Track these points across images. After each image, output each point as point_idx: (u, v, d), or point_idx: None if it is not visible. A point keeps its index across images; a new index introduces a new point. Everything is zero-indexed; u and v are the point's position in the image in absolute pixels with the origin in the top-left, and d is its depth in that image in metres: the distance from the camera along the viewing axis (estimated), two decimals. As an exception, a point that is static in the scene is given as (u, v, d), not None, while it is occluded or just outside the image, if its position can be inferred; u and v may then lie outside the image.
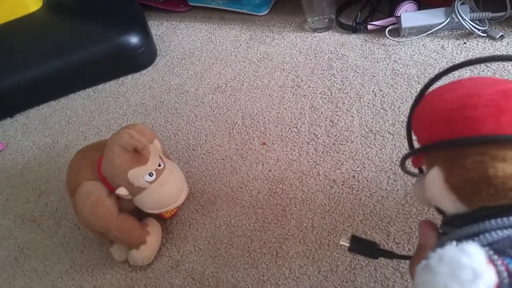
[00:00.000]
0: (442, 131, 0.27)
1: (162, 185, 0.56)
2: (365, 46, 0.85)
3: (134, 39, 0.99)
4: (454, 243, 0.22)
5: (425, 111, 0.30)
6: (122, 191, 0.54)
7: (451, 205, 0.26)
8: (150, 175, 0.55)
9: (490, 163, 0.23)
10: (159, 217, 0.64)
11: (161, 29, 1.16)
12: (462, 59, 0.74)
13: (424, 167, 0.31)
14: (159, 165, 0.56)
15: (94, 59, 0.98)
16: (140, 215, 0.61)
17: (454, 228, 0.26)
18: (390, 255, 0.40)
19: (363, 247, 0.41)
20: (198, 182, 0.70)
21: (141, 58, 1.02)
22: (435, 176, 0.27)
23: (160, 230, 0.63)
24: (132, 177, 0.53)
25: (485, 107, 0.25)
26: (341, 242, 0.41)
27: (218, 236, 0.62)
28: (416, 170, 0.35)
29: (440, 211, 0.29)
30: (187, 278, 0.59)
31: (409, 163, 0.33)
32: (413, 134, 0.33)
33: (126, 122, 0.89)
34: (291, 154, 0.69)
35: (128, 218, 0.57)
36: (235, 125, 0.78)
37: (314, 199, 0.62)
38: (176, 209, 0.65)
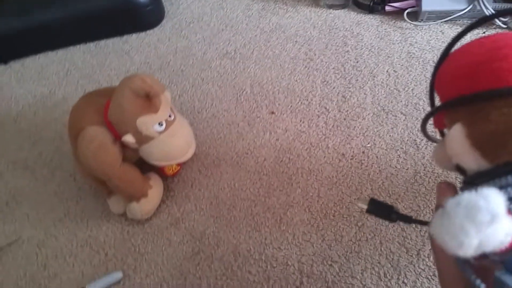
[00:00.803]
0: (466, 86, 0.25)
1: (171, 137, 0.54)
2: (381, 27, 0.84)
3: (141, -4, 0.95)
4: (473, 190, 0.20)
5: (449, 67, 0.28)
6: (129, 138, 0.52)
7: (474, 162, 0.25)
8: (160, 125, 0.53)
9: None
10: (161, 174, 0.62)
11: (171, -9, 1.12)
12: (478, 49, 0.73)
13: (446, 130, 0.30)
14: (170, 116, 0.54)
15: (98, 12, 0.94)
16: (143, 168, 0.60)
17: (475, 186, 0.24)
18: (408, 219, 0.39)
19: (381, 209, 0.40)
20: (202, 145, 0.69)
21: (148, 17, 0.99)
22: (457, 133, 0.26)
23: (162, 186, 0.61)
24: (141, 124, 0.51)
25: None
26: (359, 204, 0.41)
27: (221, 197, 0.61)
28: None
29: (461, 171, 0.28)
30: (186, 235, 0.57)
31: (430, 128, 0.32)
32: (437, 95, 0.31)
33: None
34: (300, 125, 0.68)
35: (131, 168, 0.55)
36: (243, 92, 0.76)
37: (321, 171, 0.61)
38: (179, 167, 0.63)
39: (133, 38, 0.98)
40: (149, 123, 0.52)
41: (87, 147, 0.52)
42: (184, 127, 0.56)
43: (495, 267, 0.23)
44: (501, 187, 0.23)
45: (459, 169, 0.28)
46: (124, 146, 0.55)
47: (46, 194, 0.66)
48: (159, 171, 0.61)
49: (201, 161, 0.66)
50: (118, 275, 0.54)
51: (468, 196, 0.20)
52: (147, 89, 0.51)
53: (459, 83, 0.26)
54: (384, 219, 0.39)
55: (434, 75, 0.31)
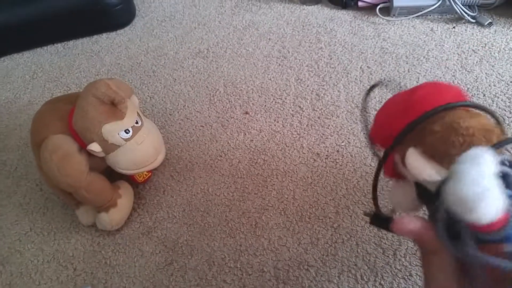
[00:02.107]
0: (402, 122, 0.30)
1: (138, 144, 0.52)
2: (355, 22, 0.83)
3: (110, -5, 0.92)
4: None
5: (382, 121, 0.34)
6: (94, 147, 0.50)
7: (435, 172, 0.28)
8: (126, 132, 0.51)
9: (453, 121, 0.27)
10: (131, 181, 0.60)
11: (141, -12, 1.09)
12: (450, 43, 0.73)
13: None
14: (137, 122, 0.52)
15: (66, 12, 0.91)
16: (111, 176, 0.57)
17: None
18: None
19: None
20: (174, 148, 0.67)
21: (118, 17, 0.96)
22: (413, 154, 0.29)
23: (133, 194, 0.59)
24: (107, 132, 0.49)
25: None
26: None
27: (194, 204, 0.59)
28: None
29: (423, 196, 0.30)
30: (159, 245, 0.55)
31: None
32: (380, 148, 0.35)
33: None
34: (275, 125, 0.67)
35: (99, 178, 0.53)
36: (216, 92, 0.75)
37: (296, 171, 0.60)
38: (149, 174, 0.61)
39: (103, 38, 0.95)
40: (115, 131, 0.50)
41: (50, 157, 0.49)
42: (152, 133, 0.54)
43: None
44: None
45: (421, 195, 0.30)
46: (90, 155, 0.52)
47: (10, 206, 0.63)
48: (130, 178, 0.59)
49: (173, 166, 0.64)
50: (87, 290, 0.51)
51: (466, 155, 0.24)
52: (111, 96, 0.49)
53: (396, 123, 0.30)
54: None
55: (377, 175, 0.34)
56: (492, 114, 0.29)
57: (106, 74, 0.84)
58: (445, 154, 0.27)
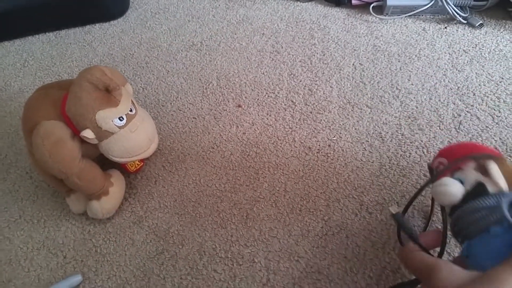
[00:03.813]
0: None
1: (132, 132, 0.52)
2: (348, 20, 0.84)
3: (104, -15, 0.91)
4: None
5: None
6: (88, 133, 0.50)
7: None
8: (120, 119, 0.51)
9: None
10: (123, 170, 0.60)
11: (135, -20, 1.08)
12: (442, 43, 0.75)
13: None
14: (131, 110, 0.52)
15: (56, 1, 0.90)
16: (104, 165, 0.57)
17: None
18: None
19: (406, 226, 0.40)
20: (166, 139, 0.67)
21: (111, 7, 0.95)
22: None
23: (124, 183, 0.59)
24: (101, 119, 0.49)
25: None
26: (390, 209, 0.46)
27: (186, 194, 0.59)
28: None
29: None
30: (150, 234, 0.55)
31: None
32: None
33: None
34: (267, 119, 0.67)
35: (91, 165, 0.53)
36: (209, 84, 0.75)
37: (288, 165, 0.61)
38: (141, 163, 0.61)
39: (96, 29, 0.94)
40: (109, 118, 0.50)
41: (42, 143, 0.49)
42: (146, 121, 0.54)
43: None
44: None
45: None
46: (83, 142, 0.52)
47: (-1, 193, 0.63)
48: (121, 167, 0.59)
49: (165, 157, 0.64)
50: (77, 278, 0.51)
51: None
52: (106, 82, 0.49)
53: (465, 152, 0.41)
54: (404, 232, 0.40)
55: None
56: None
57: (98, 64, 0.83)
58: None
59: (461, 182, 0.37)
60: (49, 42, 0.91)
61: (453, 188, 0.36)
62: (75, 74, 0.82)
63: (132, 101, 0.53)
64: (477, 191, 0.36)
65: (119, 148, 0.52)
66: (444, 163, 0.42)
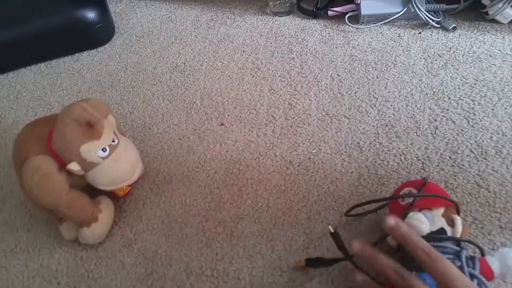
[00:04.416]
0: None
1: (115, 161, 0.54)
2: (325, 31, 0.86)
3: (90, 14, 0.94)
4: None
5: None
6: (73, 166, 0.52)
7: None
8: (103, 151, 0.53)
9: None
10: (112, 195, 0.62)
11: (120, 6, 1.11)
12: (416, 48, 0.76)
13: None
14: (113, 141, 0.54)
15: (47, 33, 0.93)
16: (93, 192, 0.59)
17: None
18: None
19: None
20: (153, 161, 0.69)
21: (98, 35, 0.98)
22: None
23: (113, 208, 0.61)
24: (85, 152, 0.51)
25: None
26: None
27: (173, 215, 0.61)
28: None
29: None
30: (139, 256, 0.57)
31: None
32: None
33: (81, 98, 0.85)
34: (249, 135, 0.69)
35: (79, 195, 0.55)
36: (193, 105, 0.77)
37: (270, 180, 0.62)
38: (129, 188, 0.63)
39: (84, 56, 0.97)
40: (93, 150, 0.52)
41: (31, 178, 0.51)
42: (128, 150, 0.57)
43: None
44: None
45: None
46: (70, 173, 0.55)
47: (-4, 225, 0.65)
48: (110, 192, 0.61)
49: (152, 179, 0.66)
50: (70, 303, 0.53)
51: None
52: (87, 117, 0.51)
53: None
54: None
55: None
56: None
57: (87, 91, 0.86)
58: None
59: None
60: (41, 73, 0.94)
61: (424, 227, 0.42)
62: (65, 103, 0.85)
63: (114, 132, 0.55)
64: (438, 234, 0.42)
65: (105, 177, 0.54)
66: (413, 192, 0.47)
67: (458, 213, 0.45)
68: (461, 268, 0.38)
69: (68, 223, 0.59)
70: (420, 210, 0.44)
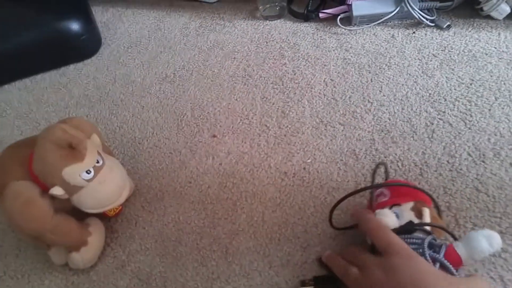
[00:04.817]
0: None
1: (101, 183, 0.52)
2: (317, 34, 0.84)
3: (74, 26, 0.92)
4: None
5: None
6: (57, 190, 0.50)
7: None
8: (87, 173, 0.51)
9: None
10: (103, 215, 0.60)
11: (106, 15, 1.09)
12: (411, 48, 0.74)
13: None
14: (98, 162, 0.52)
15: (30, 46, 0.91)
16: (82, 213, 0.57)
17: None
18: None
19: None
20: (144, 178, 0.67)
21: (84, 47, 0.96)
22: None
23: (103, 230, 0.59)
24: (68, 175, 0.49)
25: None
26: None
27: (166, 233, 0.59)
28: None
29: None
30: (133, 279, 0.55)
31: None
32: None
33: (68, 114, 0.83)
34: (242, 146, 0.67)
35: (65, 220, 0.53)
36: (184, 116, 0.75)
37: (265, 192, 0.60)
38: (120, 207, 0.61)
39: (71, 70, 0.95)
40: (76, 173, 0.50)
41: (13, 205, 0.49)
42: (114, 170, 0.54)
43: None
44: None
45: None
46: (55, 197, 0.52)
47: (-17, 251, 0.63)
48: (101, 213, 0.59)
49: (144, 196, 0.64)
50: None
51: None
52: (68, 139, 0.49)
53: None
54: None
55: None
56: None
57: (75, 107, 0.84)
58: None
59: (397, 216, 0.45)
60: (26, 88, 0.92)
61: (389, 220, 0.44)
62: (52, 119, 0.82)
63: (98, 153, 0.53)
64: (406, 227, 0.43)
65: (91, 200, 0.52)
66: (385, 194, 0.48)
67: (437, 207, 0.48)
68: (422, 253, 0.40)
69: (57, 248, 0.57)
70: (391, 207, 0.46)
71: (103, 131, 0.76)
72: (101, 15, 1.09)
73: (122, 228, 0.61)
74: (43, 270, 0.59)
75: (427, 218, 0.44)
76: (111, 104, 0.82)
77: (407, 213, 0.45)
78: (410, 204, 0.45)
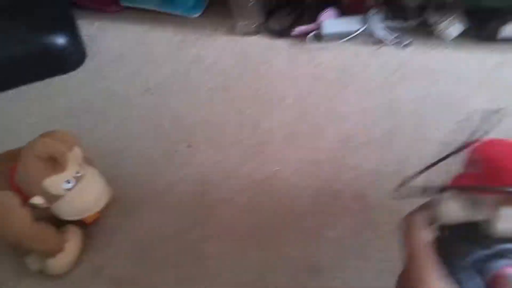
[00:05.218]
0: None
1: (80, 192, 0.56)
2: (290, 50, 0.89)
3: (60, 40, 0.95)
4: None
5: None
6: (37, 200, 0.54)
7: None
8: (67, 183, 0.55)
9: None
10: (81, 223, 0.63)
11: (92, 29, 1.13)
12: (374, 64, 0.80)
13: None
14: (77, 173, 0.56)
15: (15, 59, 0.93)
16: (61, 221, 0.60)
17: None
18: None
19: None
20: (123, 186, 0.70)
21: (69, 59, 0.99)
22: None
23: (80, 237, 0.62)
24: (48, 185, 0.53)
25: None
26: None
27: (142, 239, 0.63)
28: None
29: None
30: (109, 284, 0.59)
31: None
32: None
33: (52, 126, 0.84)
34: (216, 155, 0.71)
35: (43, 227, 0.56)
36: (162, 127, 0.79)
37: (236, 200, 0.64)
38: (98, 214, 0.64)
39: (55, 82, 0.98)
40: (56, 183, 0.54)
41: (-8, 214, 0.53)
42: (92, 181, 0.58)
43: None
44: None
45: None
46: (35, 206, 0.56)
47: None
48: (79, 219, 0.62)
49: (122, 204, 0.68)
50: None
51: None
52: (50, 152, 0.53)
53: None
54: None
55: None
56: None
57: (59, 118, 0.87)
58: None
59: None
60: (10, 100, 0.95)
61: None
62: (36, 132, 0.84)
63: (79, 164, 0.57)
64: None
65: (69, 208, 0.56)
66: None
67: None
68: None
69: (34, 254, 0.60)
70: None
71: (85, 142, 0.78)
72: (87, 29, 1.13)
73: (99, 234, 0.65)
74: (19, 276, 0.62)
75: None
76: (95, 116, 0.86)
77: None
78: None
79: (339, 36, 0.86)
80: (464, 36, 0.81)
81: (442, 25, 0.79)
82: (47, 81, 0.98)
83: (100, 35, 1.10)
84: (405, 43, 0.81)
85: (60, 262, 0.58)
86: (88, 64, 1.01)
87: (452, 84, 0.72)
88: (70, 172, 0.55)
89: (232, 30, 1.00)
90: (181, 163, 0.71)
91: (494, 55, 0.77)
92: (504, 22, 0.76)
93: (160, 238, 0.62)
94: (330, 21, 0.86)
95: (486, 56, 0.77)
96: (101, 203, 0.59)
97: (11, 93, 0.96)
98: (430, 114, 0.68)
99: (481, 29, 0.79)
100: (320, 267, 0.54)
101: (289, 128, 0.72)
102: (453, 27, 0.79)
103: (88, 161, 0.64)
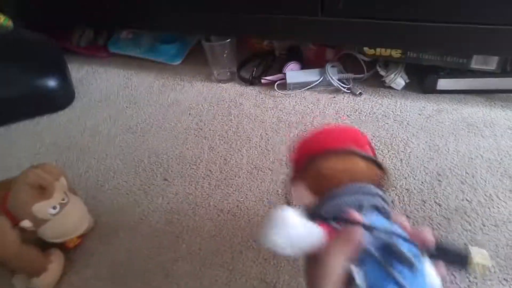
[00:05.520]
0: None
1: (64, 218, 0.63)
2: (259, 96, 1.01)
3: (50, 82, 1.05)
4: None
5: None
6: (26, 223, 0.61)
7: (311, 200, 0.43)
8: (53, 208, 0.62)
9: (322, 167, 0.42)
10: (63, 247, 0.70)
11: (82, 72, 1.24)
12: (331, 110, 0.91)
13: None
14: (63, 200, 0.64)
15: (8, 99, 1.02)
16: (45, 244, 0.67)
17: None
18: None
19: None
20: (103, 215, 0.78)
21: (58, 100, 1.09)
22: (300, 187, 0.44)
23: (63, 259, 0.69)
24: (36, 210, 0.61)
25: None
26: None
27: (118, 262, 0.69)
28: None
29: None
30: (85, 301, 0.65)
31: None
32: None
33: (39, 160, 0.92)
34: (188, 188, 0.80)
35: (30, 249, 0.63)
36: (141, 163, 0.88)
37: (203, 227, 0.72)
38: (79, 240, 0.72)
39: (45, 119, 1.07)
40: (44, 208, 0.62)
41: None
42: (76, 207, 0.66)
43: None
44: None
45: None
46: (23, 230, 0.63)
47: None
48: (62, 244, 0.69)
49: (102, 231, 0.75)
50: None
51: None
52: (39, 181, 0.61)
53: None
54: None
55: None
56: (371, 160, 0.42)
57: (45, 153, 0.95)
58: (317, 190, 0.43)
59: None
60: (0, 136, 1.02)
61: None
62: (23, 165, 0.91)
63: (65, 192, 0.65)
64: None
65: (54, 231, 0.64)
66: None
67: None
68: None
69: (20, 274, 0.66)
70: None
71: (70, 175, 0.87)
72: (77, 72, 1.24)
73: (80, 258, 0.71)
74: (6, 295, 0.68)
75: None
76: (79, 152, 0.94)
77: None
78: None
79: (301, 85, 0.98)
80: (409, 86, 0.94)
81: (389, 78, 0.92)
82: (37, 119, 1.07)
83: (89, 78, 1.21)
84: (357, 92, 0.93)
85: (43, 281, 0.64)
86: (76, 104, 1.10)
87: (396, 128, 0.84)
88: (56, 199, 0.63)
89: (208, 77, 1.12)
90: (156, 195, 0.80)
91: (432, 104, 0.90)
92: (440, 76, 0.89)
93: (134, 260, 0.69)
94: (293, 72, 0.99)
95: (426, 104, 0.90)
96: (82, 228, 0.67)
97: (1, 129, 1.04)
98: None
99: (422, 82, 0.93)
100: (275, 284, 0.62)
101: (254, 164, 0.82)
102: (399, 79, 0.92)
103: (72, 190, 0.73)
